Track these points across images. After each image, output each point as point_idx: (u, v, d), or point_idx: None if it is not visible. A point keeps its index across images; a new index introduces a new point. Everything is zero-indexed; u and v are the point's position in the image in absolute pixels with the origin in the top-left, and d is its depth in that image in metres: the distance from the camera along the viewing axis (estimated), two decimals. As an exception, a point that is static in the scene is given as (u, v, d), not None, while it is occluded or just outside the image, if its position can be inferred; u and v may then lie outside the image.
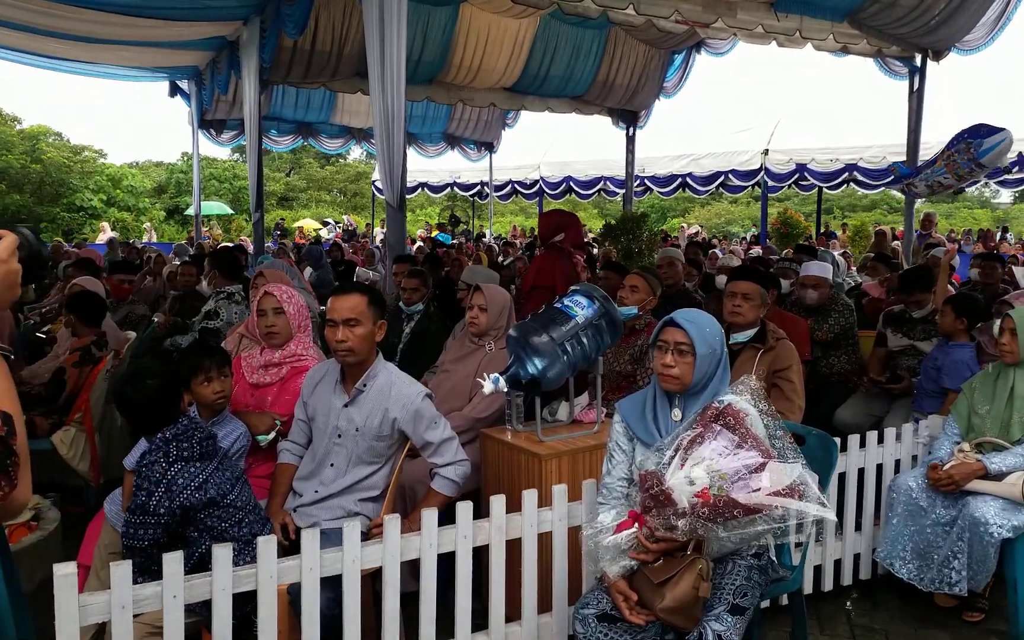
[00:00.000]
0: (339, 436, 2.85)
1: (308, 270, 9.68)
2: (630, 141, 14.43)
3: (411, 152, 17.82)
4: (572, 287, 3.39)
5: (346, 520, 2.76)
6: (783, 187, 21.11)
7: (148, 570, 2.34)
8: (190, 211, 27.33)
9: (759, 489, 2.22)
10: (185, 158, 35.57)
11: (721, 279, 6.30)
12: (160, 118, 73.44)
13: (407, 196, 24.30)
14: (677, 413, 2.50)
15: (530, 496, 2.66)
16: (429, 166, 22.91)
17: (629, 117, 14.15)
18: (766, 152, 18.96)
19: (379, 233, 25.07)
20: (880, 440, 3.56)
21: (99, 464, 4.48)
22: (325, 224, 26.91)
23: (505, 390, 3.14)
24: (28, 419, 4.29)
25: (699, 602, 2.26)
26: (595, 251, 9.63)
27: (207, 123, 15.20)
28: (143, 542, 2.29)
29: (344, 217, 28.93)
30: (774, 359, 3.71)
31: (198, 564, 2.37)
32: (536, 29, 11.98)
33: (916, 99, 9.82)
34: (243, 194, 35.38)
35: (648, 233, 7.57)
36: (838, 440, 3.08)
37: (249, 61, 10.89)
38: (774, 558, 2.55)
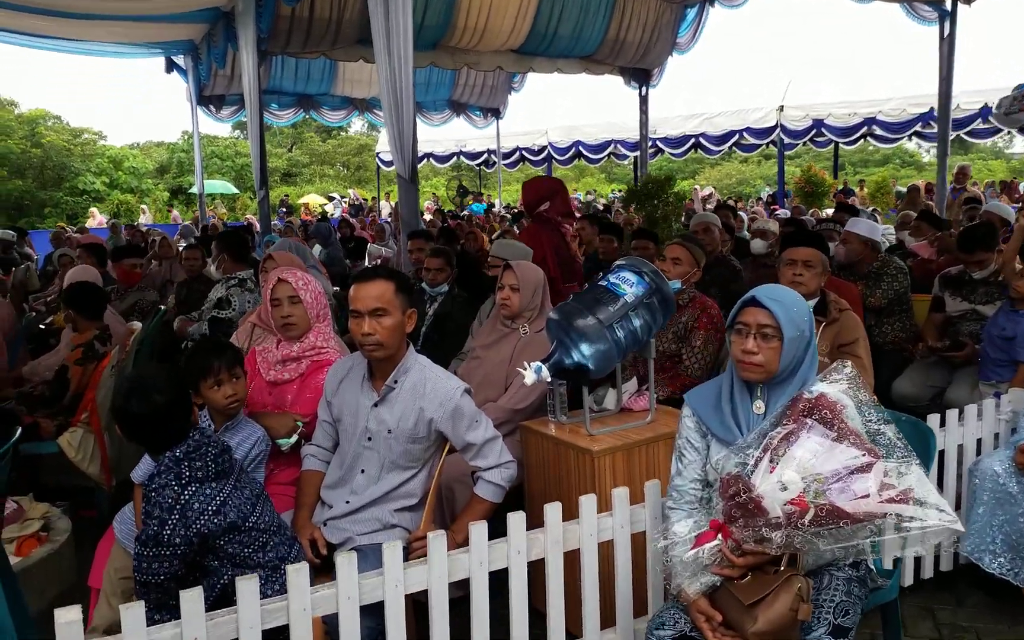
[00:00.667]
0: (369, 439, 2.55)
1: (317, 248, 9.37)
2: (643, 101, 13.96)
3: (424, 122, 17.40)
4: (618, 263, 3.06)
5: (382, 534, 2.48)
6: (798, 144, 20.67)
7: (165, 605, 2.06)
8: (194, 190, 27.06)
9: (866, 494, 1.91)
10: (186, 137, 35.13)
11: (757, 243, 5.96)
12: (159, 97, 72.84)
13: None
14: (760, 405, 2.18)
15: (589, 503, 2.36)
16: (433, 135, 22.46)
17: (641, 76, 13.67)
18: (781, 108, 18.49)
19: (385, 206, 24.69)
20: (960, 417, 3.24)
21: (109, 465, 4.20)
22: (331, 199, 26.50)
23: (548, 380, 2.83)
24: (32, 421, 4.01)
25: (797, 625, 1.96)
26: (617, 218, 9.24)
27: (206, 99, 14.82)
28: (158, 577, 2.00)
29: (350, 191, 28.48)
30: (838, 332, 3.39)
31: (220, 597, 2.09)
32: (542, -13, 11.51)
33: (947, 45, 9.35)
34: (246, 172, 34.99)
35: (673, 196, 7.19)
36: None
37: (246, 31, 10.46)
38: (872, 566, 2.25)
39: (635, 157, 23.01)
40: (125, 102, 68.58)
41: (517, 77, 16.63)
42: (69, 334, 4.34)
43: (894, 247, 6.79)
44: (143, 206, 24.68)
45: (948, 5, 9.24)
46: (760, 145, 21.08)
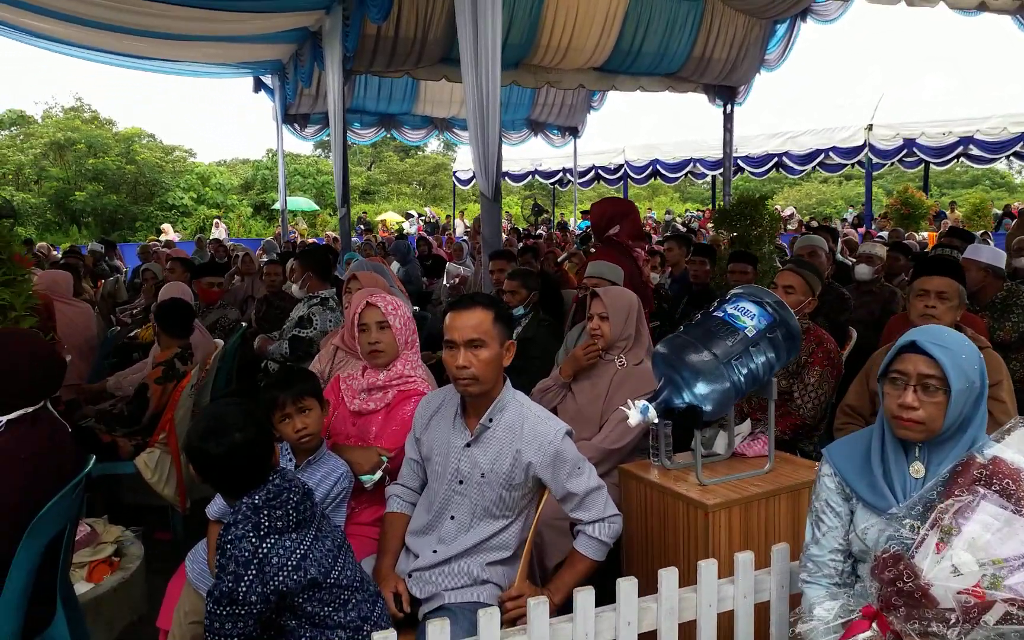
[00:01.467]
0: (460, 483, 2.32)
1: (395, 265, 9.29)
2: (727, 119, 13.52)
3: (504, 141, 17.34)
4: (734, 291, 2.77)
5: (473, 590, 2.25)
6: (886, 164, 19.80)
7: (238, 665, 1.87)
8: (276, 206, 27.71)
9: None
10: (270, 154, 36.10)
11: (862, 269, 5.54)
12: (245, 116, 75.47)
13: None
14: (918, 468, 1.87)
15: (709, 569, 2.07)
16: (509, 154, 22.41)
17: (727, 93, 13.25)
18: (870, 127, 17.73)
19: (459, 224, 24.75)
20: None
21: (185, 488, 4.11)
22: (407, 217, 26.72)
23: (655, 421, 2.56)
24: (111, 440, 3.94)
25: (971, 737, 1.63)
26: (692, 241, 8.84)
27: (291, 117, 15.08)
28: (231, 637, 1.81)
29: (426, 209, 28.69)
30: (980, 374, 3.00)
31: (297, 660, 1.88)
32: (628, 3, 11.26)
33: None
34: (326, 189, 35.74)
35: (769, 217, 6.79)
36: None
37: (332, 51, 10.57)
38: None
39: (713, 176, 22.56)
40: (213, 121, 71.34)
41: (597, 96, 16.41)
42: (157, 350, 4.27)
43: (1010, 275, 6.25)
44: (216, 220, 25.11)
45: (1069, 16, 8.59)
46: (845, 165, 20.31)
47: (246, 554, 1.83)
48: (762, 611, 2.20)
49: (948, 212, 20.13)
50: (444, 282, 8.63)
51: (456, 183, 24.53)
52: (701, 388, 2.51)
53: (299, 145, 34.22)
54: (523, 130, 17.07)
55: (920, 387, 1.82)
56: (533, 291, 4.56)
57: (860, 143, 17.66)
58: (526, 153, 22.10)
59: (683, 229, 17.25)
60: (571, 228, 18.65)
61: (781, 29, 12.13)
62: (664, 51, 11.96)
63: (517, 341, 4.47)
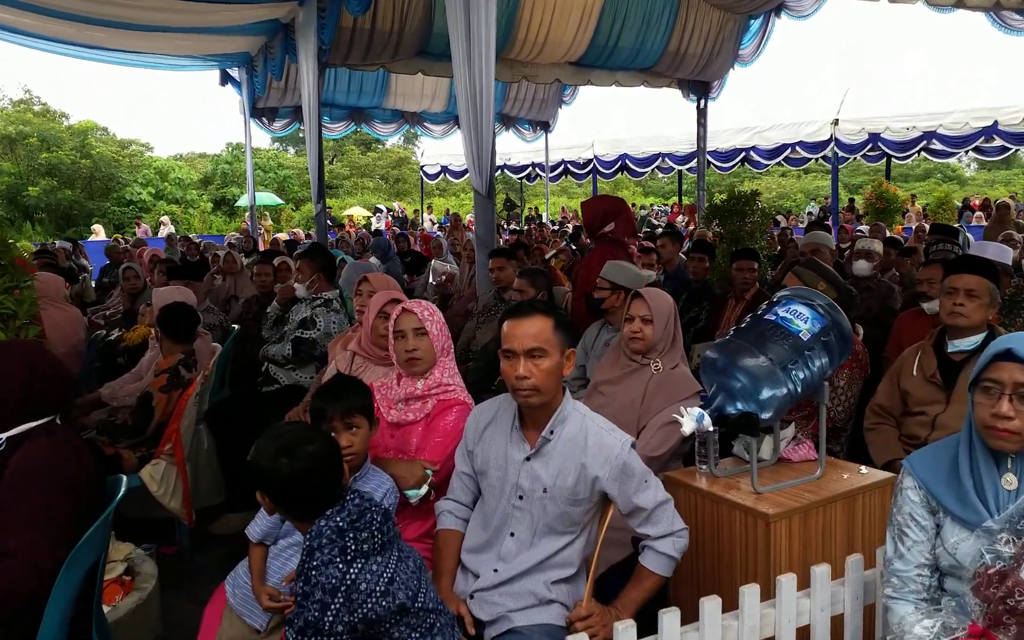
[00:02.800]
0: (520, 498, 2.23)
1: (374, 261, 9.12)
2: (701, 114, 13.60)
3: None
4: (782, 293, 2.72)
5: (540, 611, 2.17)
6: (850, 158, 20.11)
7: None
8: (242, 202, 27.14)
9: None
10: (230, 148, 35.41)
11: (861, 265, 5.55)
12: (203, 109, 73.88)
13: (458, 180, 23.68)
14: (1011, 480, 1.83)
15: (789, 584, 2.02)
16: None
17: (700, 88, 13.31)
18: (836, 122, 17.97)
19: (427, 219, 24.54)
20: None
21: (191, 500, 3.96)
22: (376, 211, 26.40)
23: (711, 429, 2.50)
24: (114, 452, 3.77)
25: None
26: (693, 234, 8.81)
27: (258, 111, 14.76)
28: (314, 670, 1.70)
29: (394, 204, 28.41)
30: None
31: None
32: (604, -1, 11.22)
33: (1040, 56, 8.84)
34: (287, 183, 35.17)
35: (760, 213, 6.80)
36: None
37: (306, 44, 10.33)
38: None
39: (679, 170, 22.70)
40: (170, 114, 69.76)
41: (568, 90, 16.36)
42: (157, 357, 4.07)
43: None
44: (164, 218, 23.95)
45: (1042, 14, 8.76)
46: (810, 159, 20.60)
47: (333, 581, 1.72)
48: (836, 624, 2.16)
49: (909, 205, 20.53)
50: (430, 280, 8.49)
51: (424, 177, 24.30)
52: (758, 394, 2.46)
53: (258, 139, 33.60)
54: (495, 124, 16.91)
55: (1016, 396, 1.78)
56: (542, 291, 4.48)
57: (826, 138, 17.88)
58: (496, 147, 21.96)
59: (656, 223, 17.31)
60: (545, 222, 18.56)
61: (755, 24, 12.21)
62: (640, 46, 11.96)
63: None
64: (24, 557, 1.96)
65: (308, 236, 15.02)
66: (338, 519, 1.80)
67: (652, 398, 3.05)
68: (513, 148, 22.18)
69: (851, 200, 23.03)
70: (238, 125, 14.64)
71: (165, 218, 23.57)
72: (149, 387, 3.76)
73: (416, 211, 26.17)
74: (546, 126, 17.52)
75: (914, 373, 3.35)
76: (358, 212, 27.94)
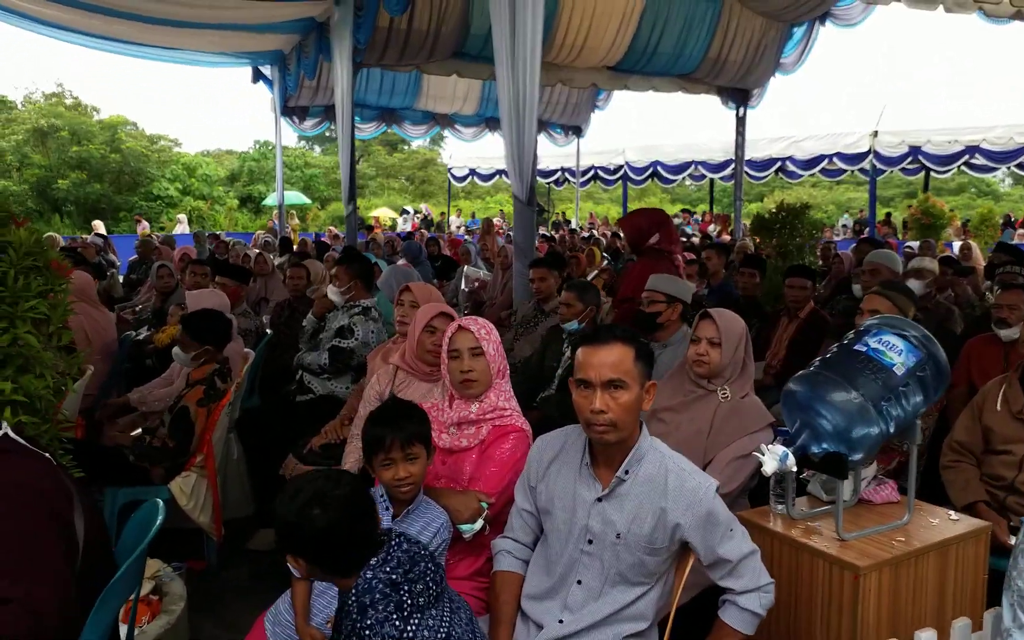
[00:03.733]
0: (590, 542, 2.03)
1: (402, 265, 8.95)
2: (740, 122, 13.34)
3: (496, 138, 17.05)
4: (870, 323, 2.50)
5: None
6: (887, 171, 19.69)
7: None
8: (269, 200, 27.16)
9: None
10: (257, 146, 35.56)
11: (914, 284, 5.28)
12: (231, 106, 74.51)
13: (486, 183, 23.52)
14: None
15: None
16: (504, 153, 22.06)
17: (740, 96, 13.04)
18: (875, 133, 17.60)
19: (454, 221, 24.42)
20: None
21: (220, 514, 3.79)
22: (403, 213, 26.31)
23: (795, 469, 2.29)
24: (143, 467, 3.62)
25: None
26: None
27: (289, 110, 14.69)
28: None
29: (421, 206, 28.31)
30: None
31: None
32: (646, 1, 11.00)
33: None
34: (314, 182, 35.24)
35: (810, 225, 6.57)
36: None
37: (341, 43, 10.22)
38: None
39: (711, 178, 22.38)
40: (198, 110, 70.30)
41: (602, 95, 16.18)
42: (184, 362, 3.90)
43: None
44: (180, 216, 23.37)
45: (1103, 27, 8.42)
46: (847, 170, 20.20)
47: (390, 638, 1.53)
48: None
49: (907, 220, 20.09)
50: (462, 286, 8.31)
51: (451, 179, 24.17)
52: (848, 433, 2.24)
53: (286, 137, 33.64)
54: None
55: None
56: (591, 306, 4.26)
57: (865, 149, 17.53)
58: (524, 151, 21.79)
59: (690, 232, 17.03)
60: (575, 227, 18.33)
61: (799, 32, 11.94)
62: (680, 51, 11.73)
63: (572, 357, 4.24)
64: (24, 603, 1.64)
65: (335, 237, 14.91)
66: (388, 570, 1.61)
67: (720, 429, 2.83)
68: (542, 152, 21.99)
69: (888, 214, 22.55)
70: (266, 122, 14.62)
71: (181, 216, 23.33)
72: (185, 401, 3.59)
73: (443, 213, 26.05)
74: (578, 131, 17.34)
75: (998, 408, 3.12)
76: (385, 213, 27.86)
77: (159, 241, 10.33)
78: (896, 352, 2.34)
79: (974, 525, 2.47)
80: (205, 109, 71.99)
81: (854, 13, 10.90)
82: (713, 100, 13.32)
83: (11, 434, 1.95)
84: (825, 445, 2.30)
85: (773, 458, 2.26)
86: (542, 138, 17.45)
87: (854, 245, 7.67)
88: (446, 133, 16.35)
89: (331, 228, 20.01)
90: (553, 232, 17.89)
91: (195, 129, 75.70)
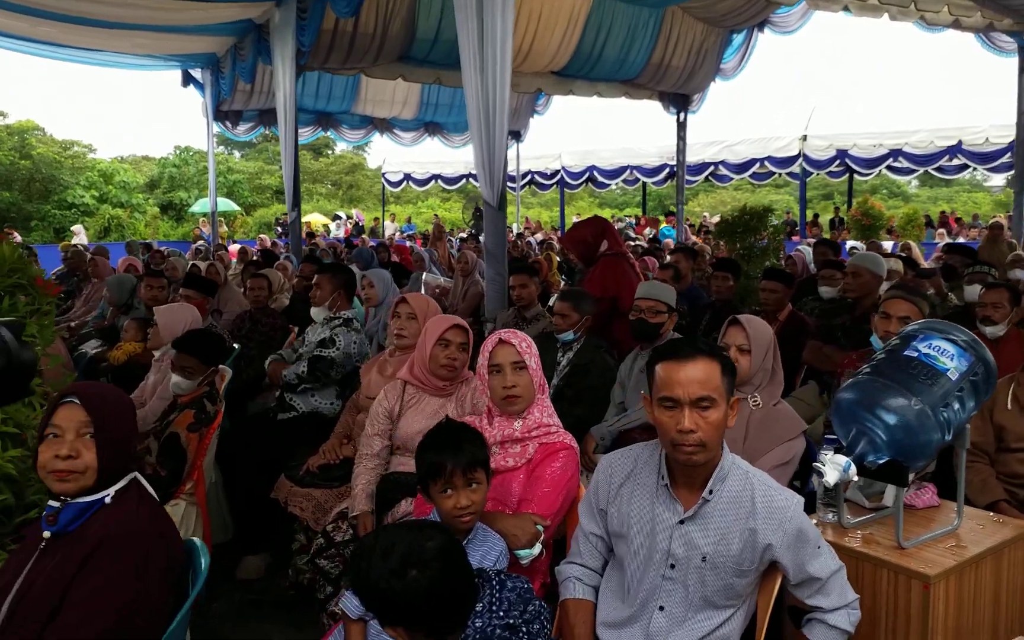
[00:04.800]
0: (672, 566, 1.94)
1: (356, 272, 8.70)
2: (681, 127, 13.54)
3: (435, 142, 16.87)
4: (915, 326, 2.48)
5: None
6: (814, 173, 20.34)
7: None
8: (197, 207, 26.18)
9: None
10: (178, 151, 34.31)
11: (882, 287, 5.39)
12: (147, 111, 71.78)
13: (421, 188, 23.25)
14: None
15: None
16: (446, 157, 21.95)
17: (681, 101, 13.23)
18: (804, 138, 18.18)
19: (388, 226, 24.06)
20: None
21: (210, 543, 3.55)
22: (335, 218, 25.77)
23: (856, 479, 2.25)
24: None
25: None
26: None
27: (222, 114, 14.18)
28: None
29: (353, 211, 27.78)
30: None
31: None
32: (590, 7, 11.04)
33: (1029, 77, 8.95)
34: (237, 188, 34.19)
35: (772, 229, 6.65)
36: None
37: (283, 46, 9.89)
38: None
39: (643, 182, 22.69)
40: (111, 115, 67.48)
41: (541, 100, 16.17)
42: (162, 383, 3.63)
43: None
44: (75, 228, 21.59)
45: (1030, 37, 8.87)
46: (776, 173, 20.80)
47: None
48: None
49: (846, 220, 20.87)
50: (422, 292, 8.10)
51: (385, 184, 23.84)
52: (911, 440, 2.21)
53: (204, 142, 32.46)
54: (465, 133, 16.63)
55: None
56: (586, 315, 4.18)
57: (795, 153, 18.09)
58: (459, 156, 21.68)
59: (634, 236, 17.19)
60: (524, 236, 18.26)
61: (738, 39, 12.18)
62: (624, 57, 11.83)
63: (570, 368, 4.15)
64: None
65: (273, 245, 14.46)
66: (503, 614, 1.48)
67: (756, 438, 2.78)
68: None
69: (815, 215, 23.30)
70: (186, 127, 14.15)
71: (77, 227, 21.69)
72: (175, 426, 3.33)
73: (376, 218, 25.65)
74: (517, 136, 17.29)
75: (1008, 407, 3.17)
76: (316, 219, 27.24)
77: (92, 252, 9.75)
78: (948, 357, 2.33)
79: (1022, 527, 2.48)
80: (119, 114, 69.22)
81: (791, 20, 11.18)
82: (647, 105, 13.47)
83: (140, 478, 1.90)
84: (887, 452, 2.27)
85: (835, 469, 2.21)
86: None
87: (812, 245, 7.83)
88: (384, 137, 16.03)
89: (263, 236, 19.43)
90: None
91: (109, 134, 72.56)
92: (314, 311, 4.34)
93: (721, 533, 1.91)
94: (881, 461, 2.27)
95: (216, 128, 14.37)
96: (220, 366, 4.23)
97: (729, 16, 11.36)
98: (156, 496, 2.01)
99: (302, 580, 3.31)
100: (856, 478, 2.24)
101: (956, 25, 8.55)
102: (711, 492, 1.93)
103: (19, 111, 54.45)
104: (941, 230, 18.22)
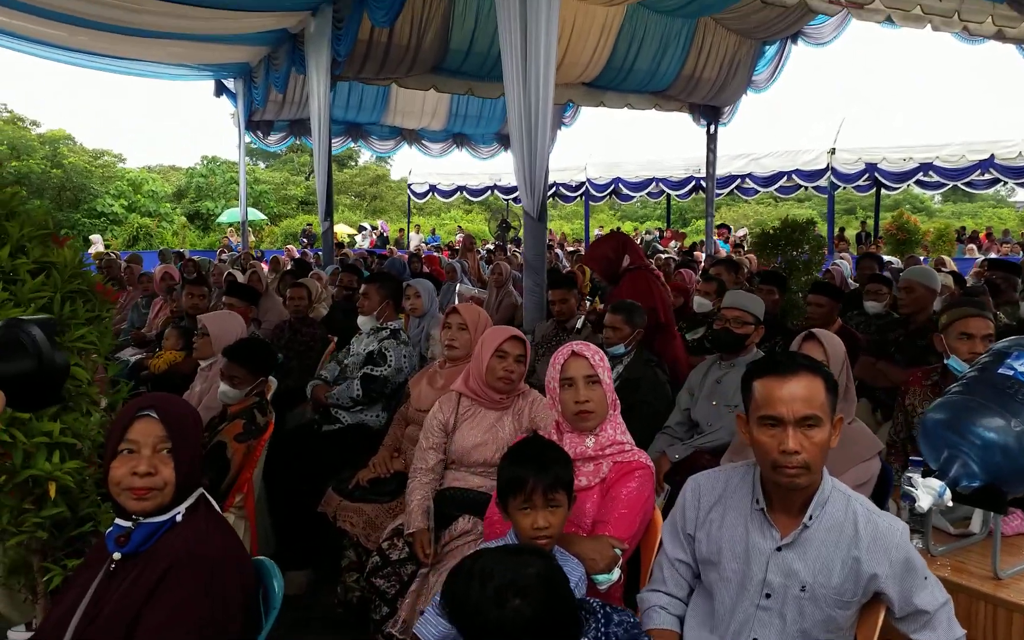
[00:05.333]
0: (767, 596, 1.84)
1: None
2: (711, 138, 13.42)
3: (463, 154, 16.86)
4: (1006, 343, 2.37)
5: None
6: (842, 186, 20.12)
7: None
8: (225, 217, 26.38)
9: None
10: (205, 161, 34.65)
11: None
12: (175, 121, 72.66)
13: (447, 200, 23.29)
14: None
15: None
16: (472, 168, 21.96)
17: (711, 113, 13.13)
18: (833, 151, 17.97)
19: (414, 238, 24.08)
20: None
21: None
22: (360, 229, 25.84)
23: (951, 504, 2.14)
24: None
25: None
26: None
27: (253, 124, 14.25)
28: None
29: (378, 222, 27.85)
30: None
31: None
32: (623, 18, 10.98)
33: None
34: (263, 198, 34.45)
35: (814, 241, 6.52)
36: None
37: (318, 56, 9.91)
38: None
39: (668, 194, 22.55)
40: (141, 125, 68.38)
41: (568, 111, 16.11)
42: (208, 392, 3.58)
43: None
44: (93, 237, 21.41)
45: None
46: (803, 186, 20.59)
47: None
48: None
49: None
50: (456, 304, 8.04)
51: (411, 195, 23.86)
52: (1012, 464, 2.10)
53: (230, 152, 32.57)
54: (493, 144, 16.65)
55: None
56: (638, 328, 4.08)
57: (823, 166, 17.88)
58: (485, 168, 21.68)
59: (661, 248, 17.05)
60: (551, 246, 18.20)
61: (771, 50, 12.07)
62: (656, 68, 11.75)
63: (620, 383, 4.05)
64: None
65: (303, 255, 14.48)
66: None
67: (832, 458, 2.61)
68: (502, 169, 21.91)
69: (841, 229, 23.07)
70: (214, 137, 14.37)
71: (95, 236, 21.63)
72: (222, 435, 3.28)
73: (401, 230, 25.69)
74: (545, 147, 17.20)
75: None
76: (341, 229, 27.33)
77: (126, 260, 9.79)
78: (1045, 376, 2.21)
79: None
80: (148, 124, 70.09)
81: (826, 32, 11.06)
82: (673, 116, 13.36)
83: (206, 494, 1.84)
84: (978, 478, 2.16)
85: (928, 493, 2.11)
86: (508, 155, 17.30)
87: (845, 258, 7.68)
88: (413, 148, 16.04)
89: (289, 247, 19.50)
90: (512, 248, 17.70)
91: (138, 144, 73.48)
92: (361, 320, 4.27)
93: (822, 562, 1.80)
94: (976, 485, 2.16)
95: (248, 138, 14.44)
96: (268, 378, 4.19)
97: (763, 27, 11.26)
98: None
99: (351, 598, 3.25)
100: (950, 503, 2.13)
101: (999, 36, 8.38)
102: (811, 517, 1.83)
103: (51, 120, 55.24)
104: (971, 245, 17.92)
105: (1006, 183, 18.22)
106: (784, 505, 1.86)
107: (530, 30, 5.60)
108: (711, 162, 13.59)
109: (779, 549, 1.84)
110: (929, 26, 7.99)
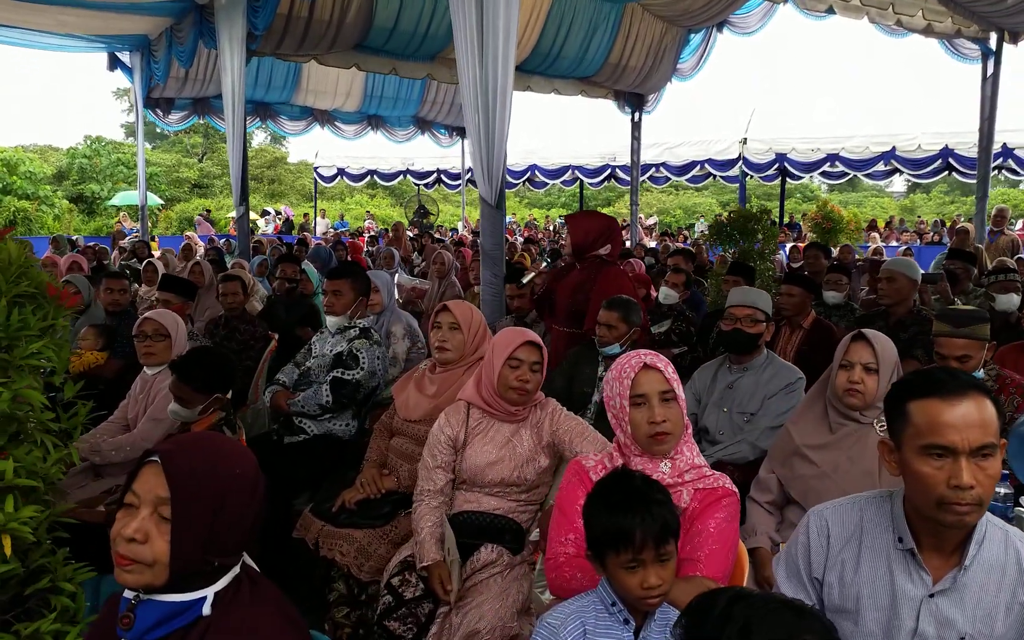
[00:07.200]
0: (917, 647, 1.59)
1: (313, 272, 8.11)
2: (635, 127, 13.36)
3: (379, 137, 16.26)
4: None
5: None
6: (751, 176, 20.63)
7: None
8: (116, 200, 24.63)
9: None
10: (88, 141, 32.39)
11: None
12: (52, 98, 67.73)
13: (357, 184, 22.57)
14: None
15: None
16: (382, 152, 21.29)
17: (636, 101, 13.06)
18: (744, 141, 18.36)
19: (320, 223, 23.18)
20: None
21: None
22: (264, 213, 24.64)
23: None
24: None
25: None
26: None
27: (152, 101, 13.21)
28: None
29: (282, 207, 26.64)
30: None
31: None
32: (551, 2, 10.72)
33: (991, 85, 9.08)
34: (154, 180, 32.43)
35: (767, 231, 6.44)
36: None
37: (231, 29, 9.15)
38: None
39: (582, 181, 22.56)
40: (10, 100, 63.33)
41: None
42: (192, 418, 3.00)
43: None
44: None
45: (992, 43, 9.01)
46: (714, 175, 21.01)
47: None
48: None
49: (802, 224, 21.31)
50: (395, 296, 7.59)
51: (317, 179, 22.92)
52: None
53: (113, 131, 30.44)
54: (409, 127, 16.12)
55: None
56: (635, 327, 3.80)
57: (735, 156, 18.24)
58: (397, 152, 21.06)
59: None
60: (460, 231, 17.82)
61: (696, 39, 12.07)
62: (583, 54, 11.57)
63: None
64: None
65: (212, 243, 13.60)
66: None
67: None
68: (417, 153, 21.34)
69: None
70: (97, 115, 13.14)
71: None
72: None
73: (305, 215, 24.69)
74: (463, 132, 16.81)
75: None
76: (242, 215, 26.01)
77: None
78: None
79: None
80: (19, 98, 65.01)
81: (751, 22, 11.13)
82: (590, 104, 13.25)
83: (249, 564, 1.39)
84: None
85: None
86: (424, 138, 16.81)
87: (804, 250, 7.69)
88: (325, 129, 15.31)
89: (188, 234, 18.35)
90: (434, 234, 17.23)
91: (8, 121, 68.02)
92: (331, 320, 3.80)
93: (983, 608, 1.57)
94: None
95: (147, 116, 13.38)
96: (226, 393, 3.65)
97: (689, 14, 11.23)
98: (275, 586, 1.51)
99: (340, 636, 2.85)
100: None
101: (928, 30, 8.60)
102: (970, 558, 1.58)
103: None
104: (873, 233, 18.72)
105: (901, 173, 19.11)
106: (935, 544, 1.61)
107: (487, 12, 5.25)
108: (635, 150, 13.54)
109: (932, 595, 1.59)
110: (866, 17, 8.09)
